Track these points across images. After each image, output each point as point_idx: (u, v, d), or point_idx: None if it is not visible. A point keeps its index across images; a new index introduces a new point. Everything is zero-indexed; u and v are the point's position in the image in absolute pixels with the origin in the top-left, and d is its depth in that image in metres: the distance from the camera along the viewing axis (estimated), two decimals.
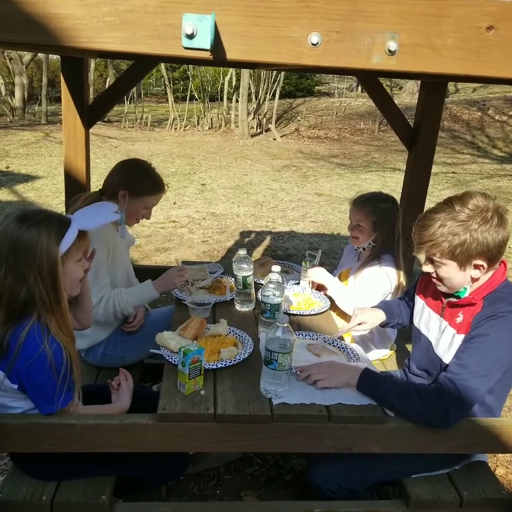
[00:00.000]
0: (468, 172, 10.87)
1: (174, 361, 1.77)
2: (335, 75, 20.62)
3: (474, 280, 1.67)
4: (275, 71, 14.85)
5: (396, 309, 2.15)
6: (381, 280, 2.33)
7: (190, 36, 1.09)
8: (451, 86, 19.19)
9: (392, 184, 9.26)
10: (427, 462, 1.81)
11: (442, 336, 1.78)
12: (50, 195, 7.36)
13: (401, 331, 2.56)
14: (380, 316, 2.12)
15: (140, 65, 2.53)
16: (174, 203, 7.25)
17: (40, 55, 15.64)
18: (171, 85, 15.77)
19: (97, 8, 1.09)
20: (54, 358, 1.44)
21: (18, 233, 1.42)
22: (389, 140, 14.02)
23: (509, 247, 5.17)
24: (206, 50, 1.10)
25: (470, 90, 18.46)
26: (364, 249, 2.47)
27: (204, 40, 1.09)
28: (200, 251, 5.42)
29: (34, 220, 1.45)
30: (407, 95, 17.17)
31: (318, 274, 2.43)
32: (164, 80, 16.30)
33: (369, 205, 2.38)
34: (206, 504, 1.97)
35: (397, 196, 2.71)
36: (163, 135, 14.02)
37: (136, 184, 2.27)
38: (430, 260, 1.71)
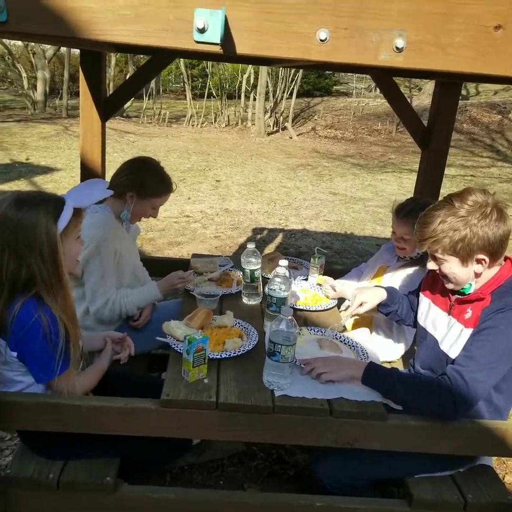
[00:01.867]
0: (487, 175, 10.77)
1: (180, 349, 1.81)
2: (354, 75, 20.55)
3: (477, 275, 1.68)
4: (293, 70, 14.86)
5: (399, 297, 2.15)
6: (418, 281, 2.30)
7: (201, 30, 1.12)
8: (471, 88, 19.00)
9: (408, 185, 9.21)
10: (430, 462, 1.80)
11: (449, 333, 1.79)
12: (68, 187, 7.45)
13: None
14: (380, 295, 2.10)
15: (157, 60, 2.56)
16: (189, 198, 7.30)
17: (62, 50, 15.84)
18: (190, 82, 15.83)
19: (113, 2, 1.12)
20: (48, 327, 1.50)
21: (18, 216, 1.49)
22: (407, 141, 13.92)
23: None
24: (217, 44, 1.13)
25: (491, 93, 18.25)
26: (411, 258, 2.41)
27: (214, 34, 1.12)
28: (212, 246, 5.45)
29: (31, 203, 1.52)
30: (426, 97, 17.01)
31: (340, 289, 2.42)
32: (183, 77, 16.37)
33: (413, 216, 2.30)
34: (208, 492, 2.00)
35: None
36: (180, 131, 14.10)
37: (144, 186, 2.27)
38: (433, 257, 1.73)
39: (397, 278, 2.39)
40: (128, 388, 1.85)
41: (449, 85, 2.74)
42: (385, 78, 2.77)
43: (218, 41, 1.12)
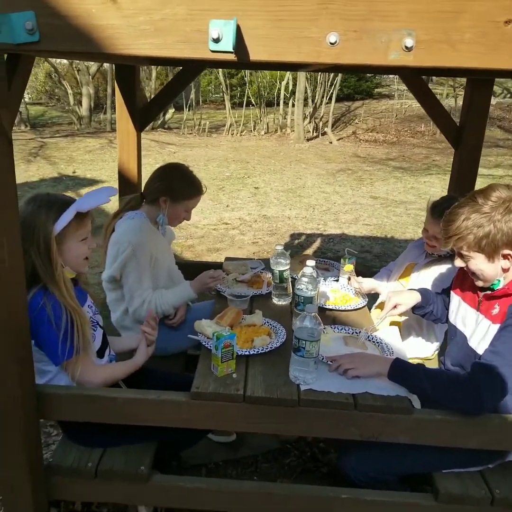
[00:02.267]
0: None
1: (210, 346, 1.89)
2: (396, 77, 20.30)
3: (505, 270, 1.68)
4: (332, 74, 14.84)
5: (433, 297, 2.15)
6: (445, 278, 2.31)
7: (216, 40, 1.19)
8: None
9: None
10: (458, 457, 1.81)
11: (477, 329, 1.79)
12: (112, 198, 7.73)
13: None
14: (415, 297, 2.11)
15: (187, 71, 2.68)
16: (227, 206, 7.43)
17: (105, 65, 16.40)
18: (229, 91, 16.08)
19: (134, 18, 1.21)
20: (53, 312, 1.65)
21: (25, 214, 1.66)
22: None
23: None
24: (230, 52, 1.20)
25: None
26: (440, 256, 2.42)
27: (228, 43, 1.19)
28: (250, 252, 5.54)
29: (37, 203, 1.69)
30: None
31: (370, 284, 2.46)
32: (222, 87, 16.64)
33: None
34: (239, 483, 2.06)
35: None
36: (220, 140, 14.33)
37: (176, 190, 2.40)
38: (459, 255, 1.74)
39: (425, 275, 2.39)
40: (162, 384, 1.93)
41: (480, 82, 2.72)
42: (414, 78, 2.78)
43: (231, 49, 1.19)
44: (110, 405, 1.70)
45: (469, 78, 2.78)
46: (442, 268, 2.37)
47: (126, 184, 2.80)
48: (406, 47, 1.22)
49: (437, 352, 2.55)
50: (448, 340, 2.04)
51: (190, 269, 2.96)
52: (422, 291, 2.16)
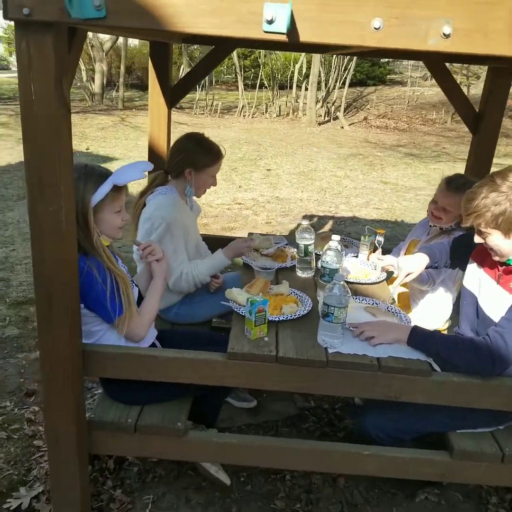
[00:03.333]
0: None
1: (241, 312, 2.02)
2: (409, 64, 20.14)
3: None
4: (346, 59, 14.78)
5: (437, 253, 2.29)
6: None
7: (270, 22, 1.30)
8: None
9: None
10: (471, 418, 1.95)
11: (495, 299, 1.92)
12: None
13: (455, 309, 2.66)
14: (424, 260, 2.25)
15: (219, 50, 2.76)
16: (240, 187, 7.52)
17: (119, 42, 16.33)
18: (242, 73, 16.03)
19: None
20: (99, 273, 1.77)
21: None
22: (462, 131, 13.60)
23: None
24: (283, 33, 1.30)
25: None
26: (441, 228, 2.54)
27: (281, 25, 1.29)
28: (264, 231, 5.64)
29: (76, 173, 1.75)
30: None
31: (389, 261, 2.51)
32: (235, 68, 16.58)
33: (462, 192, 2.40)
34: (267, 438, 2.22)
35: None
36: (232, 122, 14.36)
37: (197, 159, 2.48)
38: (478, 231, 1.86)
39: None
40: (196, 344, 2.07)
41: (501, 70, 2.80)
42: (437, 64, 2.86)
43: (285, 31, 1.29)
44: (152, 363, 1.82)
45: (491, 66, 2.86)
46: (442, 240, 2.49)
47: (156, 157, 2.90)
48: (444, 34, 1.32)
49: (448, 324, 2.69)
50: (461, 304, 2.16)
51: (212, 242, 3.08)
52: (427, 251, 2.29)
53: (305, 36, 1.33)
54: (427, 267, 2.28)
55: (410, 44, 1.33)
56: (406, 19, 1.31)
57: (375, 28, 1.31)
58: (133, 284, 2.02)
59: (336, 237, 2.23)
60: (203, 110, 15.30)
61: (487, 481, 2.09)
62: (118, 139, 10.87)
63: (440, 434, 2.03)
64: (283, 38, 1.32)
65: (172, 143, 2.61)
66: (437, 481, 2.16)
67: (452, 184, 2.46)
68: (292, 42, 1.33)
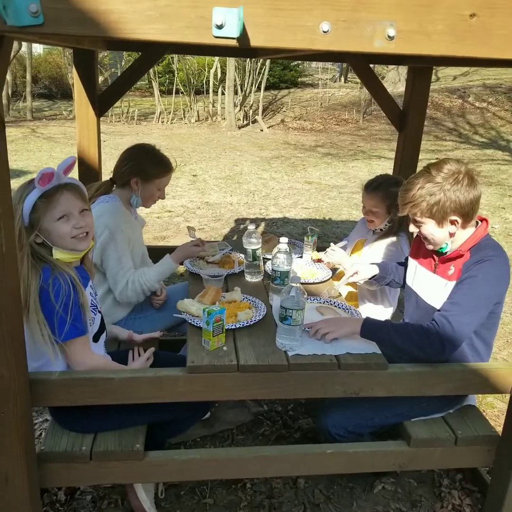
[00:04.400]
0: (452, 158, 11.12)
1: (196, 323, 1.97)
2: (319, 66, 20.79)
3: (452, 235, 1.91)
4: (260, 63, 15.00)
5: (392, 268, 2.36)
6: (394, 251, 2.54)
7: (220, 27, 1.27)
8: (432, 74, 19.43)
9: (378, 171, 9.48)
10: (424, 406, 2.03)
11: (435, 288, 2.01)
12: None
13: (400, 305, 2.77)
14: (374, 269, 2.32)
15: (147, 56, 2.69)
16: (167, 194, 7.38)
17: (22, 51, 15.56)
18: (156, 78, 15.80)
19: (139, 3, 1.25)
20: (57, 290, 1.69)
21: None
22: (374, 129, 14.26)
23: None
24: (234, 38, 1.28)
25: (450, 78, 18.74)
26: (381, 230, 2.65)
27: (232, 30, 1.26)
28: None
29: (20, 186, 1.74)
30: (389, 85, 17.36)
31: (339, 256, 2.59)
32: (148, 73, 16.29)
33: (381, 190, 2.56)
34: (230, 449, 2.18)
35: None
36: (151, 128, 14.10)
37: (146, 170, 2.43)
38: (413, 221, 1.95)
39: (375, 249, 2.63)
40: (152, 364, 1.99)
41: (421, 69, 2.95)
42: (362, 65, 2.96)
43: (236, 36, 1.27)
44: (107, 387, 1.72)
45: (411, 66, 3.00)
46: (389, 243, 2.62)
47: (87, 169, 2.78)
48: (389, 36, 1.36)
49: (391, 318, 2.79)
50: (405, 302, 2.26)
51: (154, 253, 2.99)
52: (381, 264, 2.37)
53: (256, 41, 1.31)
54: (378, 279, 2.34)
55: (357, 47, 1.36)
56: (352, 22, 1.33)
57: (324, 32, 1.32)
58: (97, 310, 1.92)
59: (284, 240, 2.24)
60: (120, 118, 14.91)
61: (443, 465, 2.18)
62: (30, 151, 10.34)
63: (395, 425, 2.09)
64: (234, 43, 1.30)
65: (102, 152, 2.52)
66: (394, 470, 2.23)
67: (370, 187, 2.62)
68: (243, 47, 1.31)
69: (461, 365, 1.90)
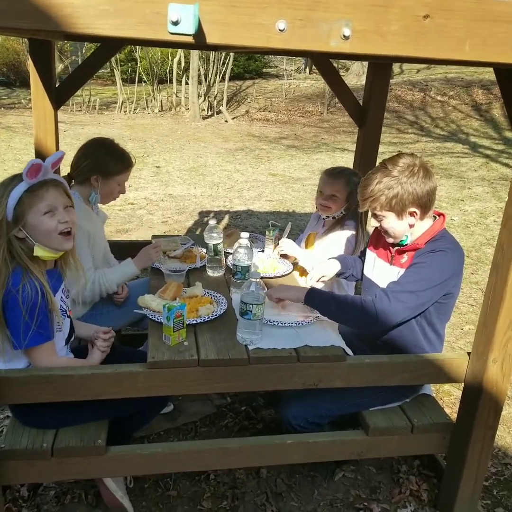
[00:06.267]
0: (412, 150, 11.35)
1: (157, 319, 1.97)
2: (283, 57, 20.75)
3: (411, 226, 1.96)
4: (224, 53, 14.86)
5: (351, 262, 2.41)
6: (343, 243, 2.60)
7: (175, 23, 1.26)
8: (396, 67, 19.70)
9: (341, 163, 9.58)
10: (381, 396, 2.09)
11: (388, 276, 2.07)
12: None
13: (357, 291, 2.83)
14: (336, 266, 2.36)
15: (107, 47, 2.64)
16: (130, 186, 7.28)
17: None
18: (118, 66, 15.47)
19: None
20: (26, 296, 1.66)
21: None
22: (337, 122, 14.37)
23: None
24: (189, 35, 1.28)
25: (414, 71, 19.05)
26: (334, 218, 2.69)
27: (187, 26, 1.26)
28: (161, 231, 5.54)
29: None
30: (353, 77, 17.56)
31: (290, 246, 2.64)
32: (110, 62, 15.93)
33: (345, 177, 2.60)
34: (192, 442, 2.20)
35: None
36: (113, 118, 13.82)
37: (105, 166, 2.37)
38: (374, 215, 2.00)
39: (327, 241, 2.68)
40: (114, 359, 1.98)
41: (381, 66, 2.99)
42: (323, 60, 2.98)
43: (191, 32, 1.26)
44: (67, 383, 1.71)
45: (371, 62, 3.04)
46: (341, 233, 2.68)
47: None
48: (344, 36, 1.38)
49: None
50: (363, 293, 2.31)
51: (116, 247, 2.96)
52: (340, 258, 2.41)
53: (212, 38, 1.31)
54: (338, 274, 2.38)
55: (313, 46, 1.37)
56: (309, 21, 1.34)
57: (280, 30, 1.33)
58: (66, 315, 1.89)
59: (245, 235, 2.26)
60: (80, 107, 14.55)
61: (400, 452, 2.25)
62: None
63: (354, 414, 2.15)
64: (189, 39, 1.29)
65: (60, 146, 2.45)
66: (354, 458, 2.29)
67: (333, 172, 2.67)
68: (200, 44, 1.31)
69: (417, 356, 1.97)
